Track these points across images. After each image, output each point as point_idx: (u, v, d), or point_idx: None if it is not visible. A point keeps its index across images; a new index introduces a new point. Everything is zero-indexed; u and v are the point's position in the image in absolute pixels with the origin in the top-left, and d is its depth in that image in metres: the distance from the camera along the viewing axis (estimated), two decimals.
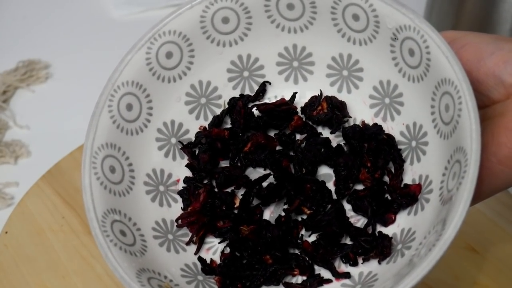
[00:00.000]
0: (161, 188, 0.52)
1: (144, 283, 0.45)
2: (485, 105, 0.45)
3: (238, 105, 0.53)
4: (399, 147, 0.51)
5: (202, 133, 0.53)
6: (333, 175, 0.51)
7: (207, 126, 0.54)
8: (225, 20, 0.52)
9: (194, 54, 0.53)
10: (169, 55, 0.52)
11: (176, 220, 0.51)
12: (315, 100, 0.53)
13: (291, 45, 0.54)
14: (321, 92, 0.53)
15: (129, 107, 0.51)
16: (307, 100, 0.54)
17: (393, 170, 0.50)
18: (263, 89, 0.54)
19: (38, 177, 0.69)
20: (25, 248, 0.64)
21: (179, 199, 0.52)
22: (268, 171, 0.52)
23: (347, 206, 0.51)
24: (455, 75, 0.44)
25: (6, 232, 0.65)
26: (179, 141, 0.53)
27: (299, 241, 0.50)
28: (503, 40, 0.45)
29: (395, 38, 0.48)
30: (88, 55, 0.89)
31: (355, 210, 0.51)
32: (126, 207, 0.49)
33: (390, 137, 0.51)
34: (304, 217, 0.51)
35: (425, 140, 0.49)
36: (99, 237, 0.46)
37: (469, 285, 0.59)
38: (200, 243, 0.50)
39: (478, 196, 0.44)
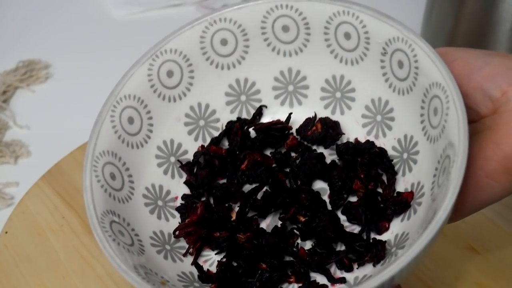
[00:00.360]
0: (160, 203, 0.53)
1: (142, 275, 0.45)
2: (474, 120, 0.46)
3: (235, 126, 0.55)
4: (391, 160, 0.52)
5: (200, 152, 0.54)
6: (328, 189, 0.53)
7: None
8: (224, 42, 0.54)
9: (193, 76, 0.54)
10: (170, 73, 0.53)
11: (174, 231, 0.51)
12: (309, 122, 0.54)
13: (287, 69, 0.55)
14: (315, 114, 0.55)
15: (131, 120, 0.52)
16: (302, 123, 0.55)
17: (385, 180, 0.51)
18: (259, 112, 0.56)
19: (38, 177, 0.69)
20: (25, 248, 0.64)
21: (177, 215, 0.53)
22: (263, 183, 0.53)
23: (342, 217, 0.51)
24: (442, 77, 0.45)
25: (6, 232, 0.65)
26: (178, 160, 0.54)
27: (294, 249, 0.50)
28: (491, 54, 0.45)
29: (385, 53, 0.50)
30: (88, 55, 0.89)
31: (349, 220, 0.51)
32: (125, 213, 0.50)
33: (382, 150, 0.52)
34: (300, 226, 0.51)
35: (416, 150, 0.50)
36: (98, 231, 0.46)
37: (469, 285, 0.59)
38: (197, 255, 0.51)
39: (465, 209, 0.45)
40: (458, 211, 0.45)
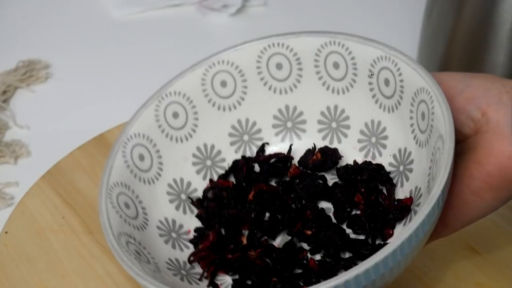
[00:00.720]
0: (174, 235, 0.55)
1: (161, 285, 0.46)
2: (460, 140, 0.48)
3: (240, 163, 0.58)
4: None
5: (208, 187, 0.57)
6: (332, 208, 0.55)
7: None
8: (223, 84, 0.57)
9: (198, 117, 0.57)
10: (175, 115, 0.56)
11: (189, 258, 0.53)
12: (309, 152, 0.57)
13: (284, 106, 0.58)
14: (314, 145, 0.57)
15: (141, 157, 0.55)
16: (302, 154, 0.58)
17: (385, 192, 0.53)
18: (262, 149, 0.59)
19: (38, 177, 0.69)
20: (25, 248, 0.64)
21: (191, 246, 0.55)
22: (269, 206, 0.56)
23: (348, 231, 0.53)
24: (425, 82, 0.48)
25: (6, 232, 0.65)
26: (189, 197, 0.57)
27: (304, 261, 0.52)
28: (473, 77, 0.48)
29: (372, 74, 0.53)
30: (88, 55, 0.89)
31: (355, 231, 0.53)
32: (141, 238, 0.52)
33: (379, 166, 0.54)
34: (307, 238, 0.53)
35: (410, 160, 0.52)
36: (115, 246, 0.48)
37: (469, 285, 0.59)
38: (212, 278, 0.52)
39: (454, 225, 0.48)
40: (448, 226, 0.48)
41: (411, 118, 0.51)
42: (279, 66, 0.57)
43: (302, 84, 0.57)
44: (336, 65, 0.55)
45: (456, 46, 0.70)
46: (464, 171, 0.47)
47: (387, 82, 0.52)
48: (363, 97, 0.55)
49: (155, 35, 0.93)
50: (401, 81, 0.51)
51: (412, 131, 0.51)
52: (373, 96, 0.54)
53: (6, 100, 0.82)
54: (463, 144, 0.48)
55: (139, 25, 0.94)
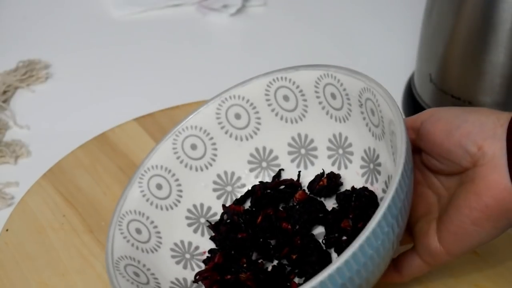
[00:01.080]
0: (187, 256, 0.59)
1: None
2: (459, 172, 0.51)
3: (256, 188, 0.62)
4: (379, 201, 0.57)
5: (224, 211, 0.61)
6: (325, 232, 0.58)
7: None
8: (238, 116, 0.61)
9: (216, 147, 0.61)
10: (193, 146, 0.61)
11: (195, 276, 0.57)
12: (318, 178, 0.61)
13: (296, 134, 0.62)
14: (323, 170, 0.61)
15: (159, 186, 0.59)
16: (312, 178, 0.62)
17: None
18: (278, 175, 0.63)
19: (38, 177, 0.69)
20: (26, 246, 0.64)
21: (203, 266, 0.59)
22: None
23: (335, 255, 0.57)
24: (391, 113, 0.52)
25: (7, 230, 0.65)
26: (207, 221, 0.61)
27: (288, 283, 0.56)
28: (470, 112, 0.50)
29: (361, 105, 0.56)
30: (88, 55, 0.89)
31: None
32: (147, 260, 0.56)
33: (373, 194, 0.57)
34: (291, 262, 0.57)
35: None
36: (110, 268, 0.53)
37: (468, 287, 0.59)
38: None
39: (457, 252, 0.51)
40: (450, 253, 0.51)
41: (392, 146, 0.54)
42: (286, 98, 0.60)
43: (309, 114, 0.61)
44: (333, 96, 0.58)
45: (456, 46, 0.70)
46: (464, 202, 0.50)
47: (372, 112, 0.55)
48: (360, 125, 0.58)
49: (155, 35, 0.93)
50: (380, 111, 0.54)
51: (392, 154, 0.55)
52: (367, 125, 0.57)
53: (6, 100, 0.82)
54: (463, 175, 0.50)
55: (139, 25, 0.94)
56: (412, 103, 0.78)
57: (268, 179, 0.63)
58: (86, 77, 0.86)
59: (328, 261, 0.56)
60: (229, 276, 0.56)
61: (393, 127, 0.51)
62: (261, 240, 0.58)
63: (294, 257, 0.56)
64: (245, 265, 0.57)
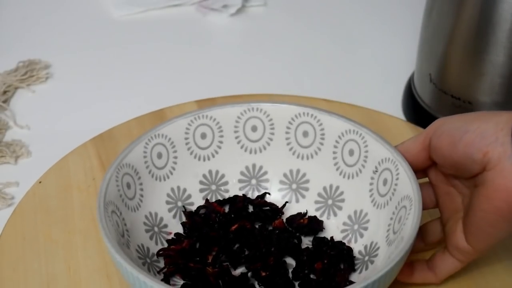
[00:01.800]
0: (156, 229, 0.61)
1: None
2: (472, 175, 0.52)
3: (238, 199, 0.64)
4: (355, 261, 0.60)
5: (202, 205, 0.63)
6: (294, 265, 0.60)
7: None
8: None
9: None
10: (159, 155, 0.62)
11: (158, 251, 0.60)
12: (300, 215, 0.63)
13: (295, 170, 0.64)
14: (306, 211, 0.63)
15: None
16: (294, 213, 0.64)
17: (343, 271, 0.59)
18: (262, 196, 0.65)
19: (38, 177, 0.69)
20: (48, 200, 0.66)
21: (166, 244, 0.61)
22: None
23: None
24: (389, 152, 0.57)
25: (40, 182, 0.68)
26: (183, 206, 0.63)
27: None
28: (469, 121, 0.52)
29: (376, 171, 0.59)
30: (88, 55, 0.89)
31: None
32: (127, 216, 0.58)
33: (349, 249, 0.60)
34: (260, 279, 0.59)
35: (376, 253, 0.58)
36: (101, 207, 0.54)
37: None
38: (168, 275, 0.58)
39: (478, 251, 0.54)
40: (478, 250, 0.54)
41: (391, 218, 0.57)
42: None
43: (318, 156, 0.63)
44: (351, 152, 0.61)
45: (456, 46, 0.70)
46: (478, 206, 0.52)
47: (385, 182, 0.58)
48: (363, 188, 0.60)
49: (155, 35, 0.93)
50: (396, 184, 0.57)
51: (387, 230, 0.57)
52: (370, 190, 0.60)
53: (6, 100, 0.82)
54: (476, 178, 0.52)
55: (139, 25, 0.94)
56: (412, 103, 0.78)
57: (251, 196, 0.65)
58: (87, 77, 0.86)
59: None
60: (192, 264, 0.58)
61: (406, 203, 0.55)
62: (237, 246, 0.60)
63: (263, 274, 0.58)
64: (209, 261, 0.60)
